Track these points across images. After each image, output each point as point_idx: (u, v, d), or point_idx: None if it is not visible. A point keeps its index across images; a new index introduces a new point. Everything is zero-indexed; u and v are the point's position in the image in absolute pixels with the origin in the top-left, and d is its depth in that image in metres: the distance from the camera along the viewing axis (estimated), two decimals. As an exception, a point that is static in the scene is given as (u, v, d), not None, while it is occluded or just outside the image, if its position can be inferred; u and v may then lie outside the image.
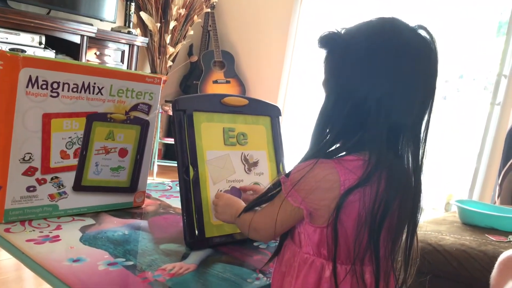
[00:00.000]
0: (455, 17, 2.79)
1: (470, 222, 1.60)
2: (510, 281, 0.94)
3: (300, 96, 3.39)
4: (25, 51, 2.66)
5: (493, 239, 1.43)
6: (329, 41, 0.73)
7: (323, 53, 0.75)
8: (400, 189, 0.70)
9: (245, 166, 1.03)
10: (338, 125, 0.73)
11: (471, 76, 2.79)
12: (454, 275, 1.35)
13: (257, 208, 0.80)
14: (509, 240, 1.42)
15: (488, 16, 2.81)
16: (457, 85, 3.00)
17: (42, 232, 0.91)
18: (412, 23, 0.72)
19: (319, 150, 0.72)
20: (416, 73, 0.70)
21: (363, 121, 0.70)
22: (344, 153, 0.72)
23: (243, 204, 0.86)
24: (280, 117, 1.12)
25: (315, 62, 3.28)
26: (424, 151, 0.73)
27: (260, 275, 0.83)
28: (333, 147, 0.73)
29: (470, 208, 1.63)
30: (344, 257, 0.71)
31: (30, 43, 2.72)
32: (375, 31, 0.72)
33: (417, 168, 0.73)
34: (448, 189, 3.04)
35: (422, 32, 0.72)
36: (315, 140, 0.74)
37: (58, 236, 0.90)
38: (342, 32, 0.73)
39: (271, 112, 1.10)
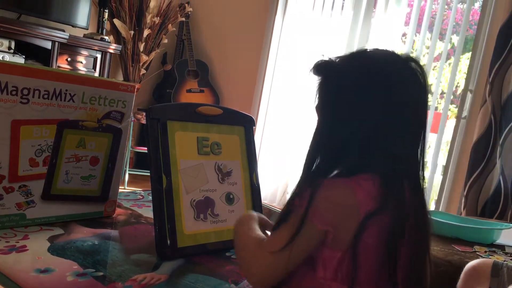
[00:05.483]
0: (424, 33, 2.88)
1: (437, 233, 1.64)
2: (475, 290, 0.97)
3: (273, 106, 3.41)
4: (-7, 56, 2.59)
5: (459, 249, 1.47)
6: (324, 69, 0.76)
7: (316, 79, 0.77)
8: (408, 217, 0.71)
9: (218, 175, 1.03)
10: (335, 149, 0.73)
11: (439, 91, 2.88)
12: (422, 285, 1.38)
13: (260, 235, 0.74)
14: (474, 250, 1.47)
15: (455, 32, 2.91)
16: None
17: (8, 242, 0.88)
18: (402, 53, 0.75)
19: (313, 174, 0.72)
20: (405, 105, 0.71)
21: (360, 147, 0.71)
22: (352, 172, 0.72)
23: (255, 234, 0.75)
24: (254, 127, 1.13)
25: (289, 72, 3.31)
26: (423, 181, 0.75)
27: (233, 285, 0.83)
28: (332, 171, 0.73)
29: (437, 219, 1.67)
30: (366, 280, 0.68)
31: (-1, 48, 2.65)
32: (366, 64, 0.74)
33: (420, 197, 0.74)
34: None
35: (412, 65, 0.73)
36: (309, 164, 0.73)
37: (25, 246, 0.87)
38: (336, 60, 0.76)
39: (245, 122, 1.11)
